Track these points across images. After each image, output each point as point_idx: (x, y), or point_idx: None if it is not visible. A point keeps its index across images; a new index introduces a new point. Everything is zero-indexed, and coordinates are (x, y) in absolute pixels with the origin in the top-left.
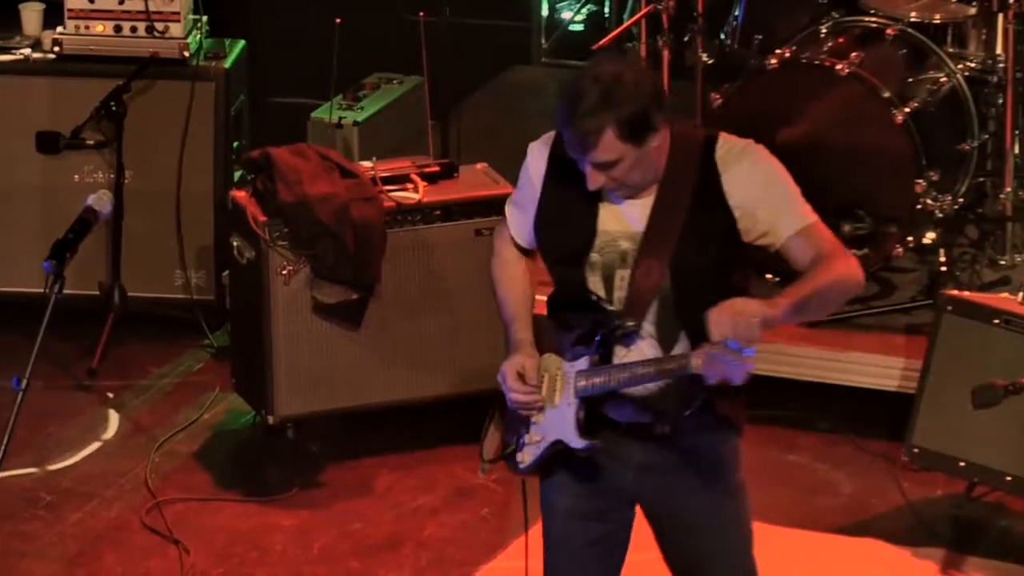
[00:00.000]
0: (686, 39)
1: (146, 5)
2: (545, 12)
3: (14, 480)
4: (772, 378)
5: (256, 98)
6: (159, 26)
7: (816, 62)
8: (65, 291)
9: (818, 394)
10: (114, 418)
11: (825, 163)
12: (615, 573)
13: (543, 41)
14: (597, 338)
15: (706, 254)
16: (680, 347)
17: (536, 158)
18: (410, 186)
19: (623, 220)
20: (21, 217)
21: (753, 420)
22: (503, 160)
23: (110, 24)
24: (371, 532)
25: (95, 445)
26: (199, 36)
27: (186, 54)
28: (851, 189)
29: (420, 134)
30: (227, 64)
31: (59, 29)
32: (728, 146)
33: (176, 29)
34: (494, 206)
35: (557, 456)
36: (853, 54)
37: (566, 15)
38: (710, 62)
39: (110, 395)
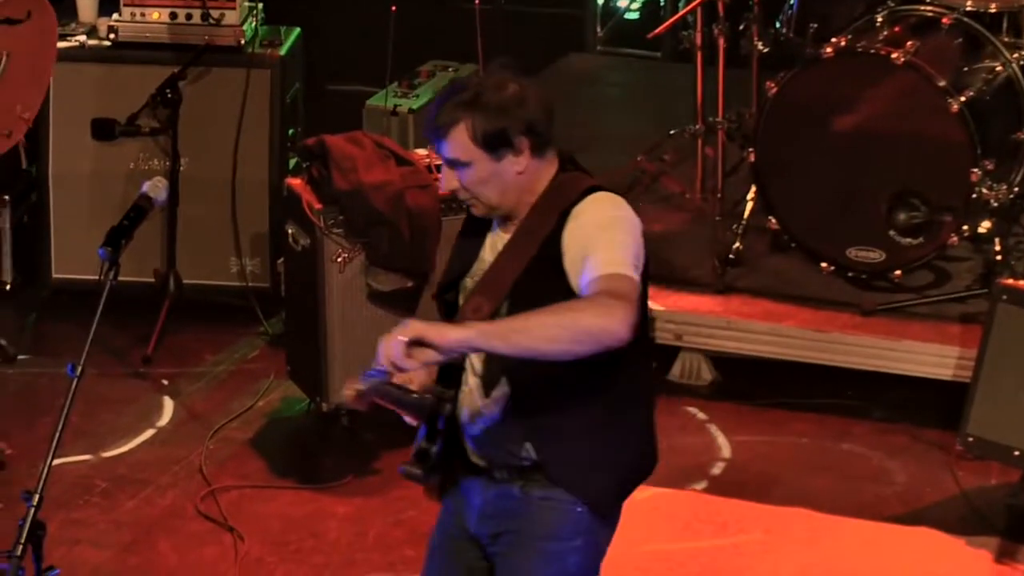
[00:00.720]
0: (741, 27)
1: None
2: (601, 0)
3: (69, 467)
4: (827, 367)
5: (311, 86)
6: (215, 13)
7: (871, 51)
8: (120, 278)
9: (873, 383)
10: (169, 405)
11: (880, 152)
12: None
13: (598, 29)
14: (443, 367)
15: (540, 302)
16: (500, 390)
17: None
18: None
19: (492, 252)
20: (76, 204)
21: (808, 408)
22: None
23: (165, 11)
24: (425, 520)
25: (150, 432)
26: (254, 23)
27: (242, 41)
28: (906, 178)
29: None
30: (282, 51)
31: (115, 16)
32: (591, 200)
33: (232, 16)
34: None
35: (445, 486)
36: (909, 43)
37: (622, 3)
38: (765, 51)
39: (165, 382)
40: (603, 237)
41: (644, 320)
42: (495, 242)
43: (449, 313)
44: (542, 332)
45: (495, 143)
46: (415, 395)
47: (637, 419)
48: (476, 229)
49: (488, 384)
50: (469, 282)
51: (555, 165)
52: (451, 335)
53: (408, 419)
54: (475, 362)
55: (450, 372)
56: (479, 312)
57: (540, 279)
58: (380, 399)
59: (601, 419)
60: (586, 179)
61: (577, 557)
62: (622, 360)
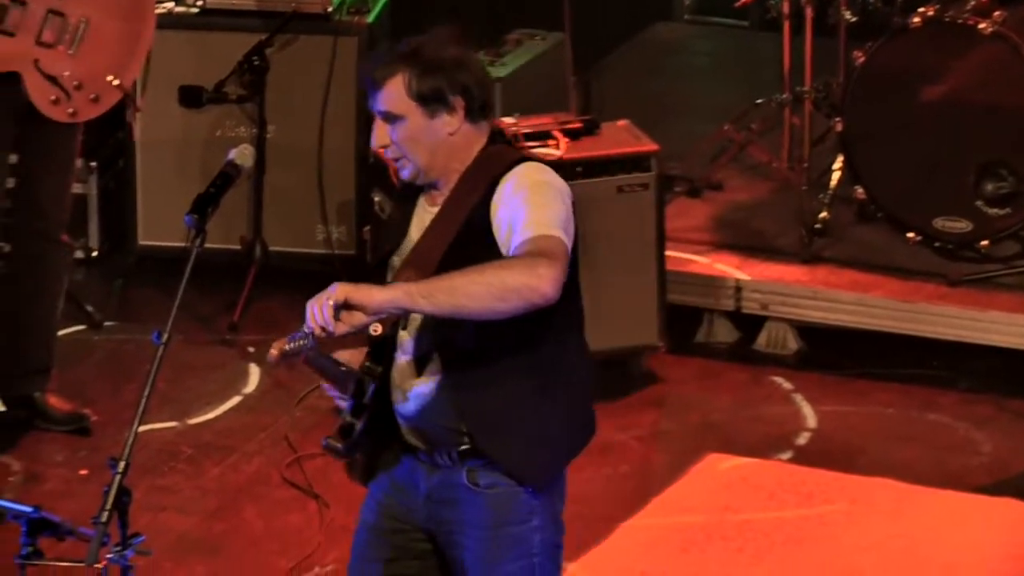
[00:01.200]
0: None
1: None
2: None
3: (155, 434)
4: (913, 337)
5: None
6: None
7: (959, 21)
8: (206, 245)
9: (959, 353)
10: (255, 372)
11: (967, 122)
12: None
13: None
14: (371, 342)
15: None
16: (431, 368)
17: (240, 145)
18: (552, 142)
19: (418, 227)
20: (163, 171)
21: (894, 378)
22: (645, 117)
23: None
24: None
25: (236, 399)
26: None
27: (329, 9)
28: (994, 148)
29: (562, 90)
30: (370, 19)
31: None
32: (518, 168)
33: None
34: (636, 163)
35: (376, 467)
36: (996, 13)
37: None
38: (853, 20)
39: (251, 349)
40: (530, 200)
41: (576, 290)
42: (422, 217)
43: (380, 282)
44: (468, 290)
45: (430, 98)
46: (342, 367)
47: (571, 392)
48: (403, 205)
49: (420, 362)
50: (396, 260)
51: (485, 138)
52: (377, 296)
53: (331, 390)
54: (405, 340)
55: (381, 350)
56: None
57: (468, 249)
58: (308, 364)
59: (534, 395)
60: (514, 152)
61: (538, 535)
62: (553, 332)
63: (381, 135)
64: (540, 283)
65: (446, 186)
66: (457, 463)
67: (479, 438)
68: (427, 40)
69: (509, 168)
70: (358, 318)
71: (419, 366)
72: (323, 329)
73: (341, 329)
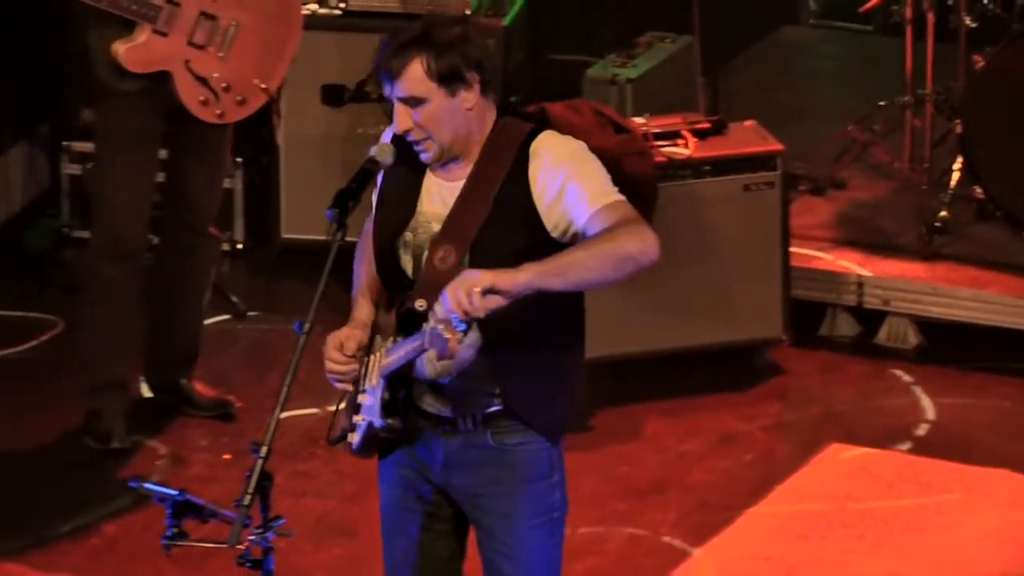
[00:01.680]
0: (950, 2)
1: None
2: None
3: (296, 420)
4: None
5: (534, 55)
6: None
7: None
8: (347, 238)
9: None
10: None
11: None
12: (450, 565)
13: (811, 2)
14: (401, 320)
15: (508, 245)
16: (472, 336)
17: (380, 142)
18: (681, 142)
19: (438, 202)
20: (305, 167)
21: (1012, 372)
22: (772, 117)
23: None
24: (637, 475)
25: None
26: None
27: (467, 11)
28: None
29: (691, 92)
30: (506, 21)
31: None
32: (545, 138)
33: None
34: (763, 162)
35: (376, 440)
36: None
37: None
38: (973, 25)
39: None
40: (578, 171)
41: None
42: (438, 191)
43: (393, 268)
44: (590, 263)
45: (449, 77)
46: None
47: (581, 350)
48: (402, 183)
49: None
50: (410, 236)
51: (494, 109)
52: (517, 279)
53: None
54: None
55: (411, 323)
56: (446, 261)
57: (506, 218)
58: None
59: (559, 353)
60: (524, 122)
61: (557, 492)
62: (572, 294)
63: (404, 120)
64: (651, 247)
65: (466, 160)
66: (480, 426)
67: (512, 398)
68: (432, 22)
69: (529, 137)
70: (497, 301)
71: None
72: (466, 313)
73: (482, 313)
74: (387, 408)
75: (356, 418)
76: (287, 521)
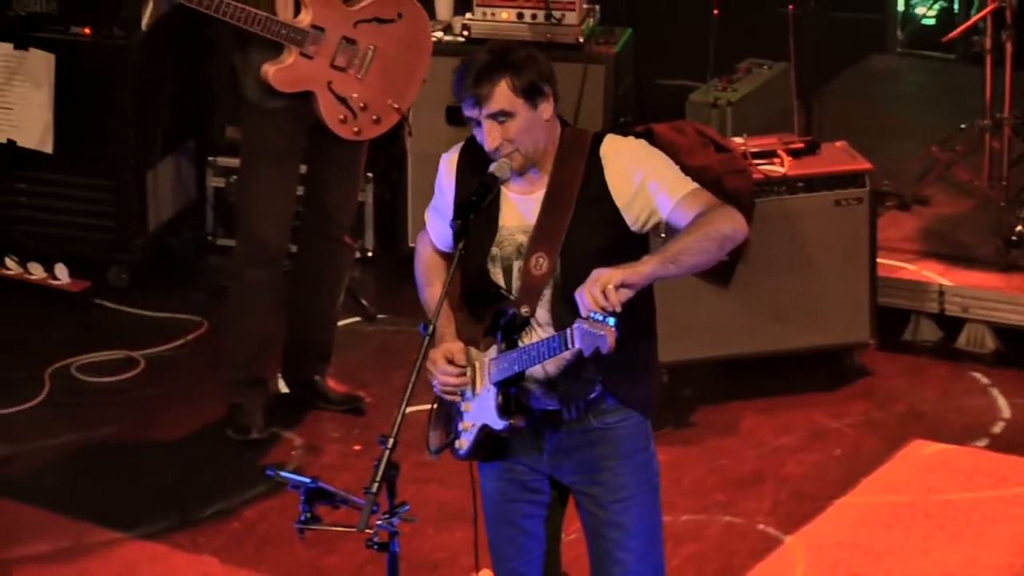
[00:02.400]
0: None
1: None
2: (901, 7)
3: (420, 414)
4: None
5: (641, 80)
6: (556, 14)
7: None
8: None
9: None
10: None
11: None
12: (551, 546)
13: (899, 32)
14: (500, 327)
15: (593, 244)
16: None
17: (446, 167)
18: (777, 160)
19: (519, 215)
20: (431, 182)
21: None
22: (861, 138)
23: (513, 11)
24: (736, 468)
25: None
26: (591, 23)
27: (580, 39)
28: None
29: (786, 114)
30: (616, 49)
31: (468, 15)
32: (612, 141)
33: (572, 17)
34: (852, 179)
35: (488, 442)
36: None
37: (920, 10)
38: None
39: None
40: (653, 165)
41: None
42: (516, 205)
43: (485, 283)
44: (700, 247)
45: (531, 91)
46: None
47: (656, 338)
48: (481, 207)
49: (559, 328)
50: (496, 251)
51: (559, 122)
52: (642, 272)
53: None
54: (540, 315)
55: (512, 330)
56: (540, 267)
57: (587, 223)
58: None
59: (643, 338)
60: (583, 130)
61: (654, 461)
62: (649, 291)
63: (495, 135)
64: (742, 225)
65: (541, 171)
66: (583, 413)
67: (611, 382)
68: (501, 48)
69: (595, 143)
70: (626, 294)
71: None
72: (604, 309)
73: (619, 307)
74: (504, 410)
75: (463, 425)
76: (411, 507)
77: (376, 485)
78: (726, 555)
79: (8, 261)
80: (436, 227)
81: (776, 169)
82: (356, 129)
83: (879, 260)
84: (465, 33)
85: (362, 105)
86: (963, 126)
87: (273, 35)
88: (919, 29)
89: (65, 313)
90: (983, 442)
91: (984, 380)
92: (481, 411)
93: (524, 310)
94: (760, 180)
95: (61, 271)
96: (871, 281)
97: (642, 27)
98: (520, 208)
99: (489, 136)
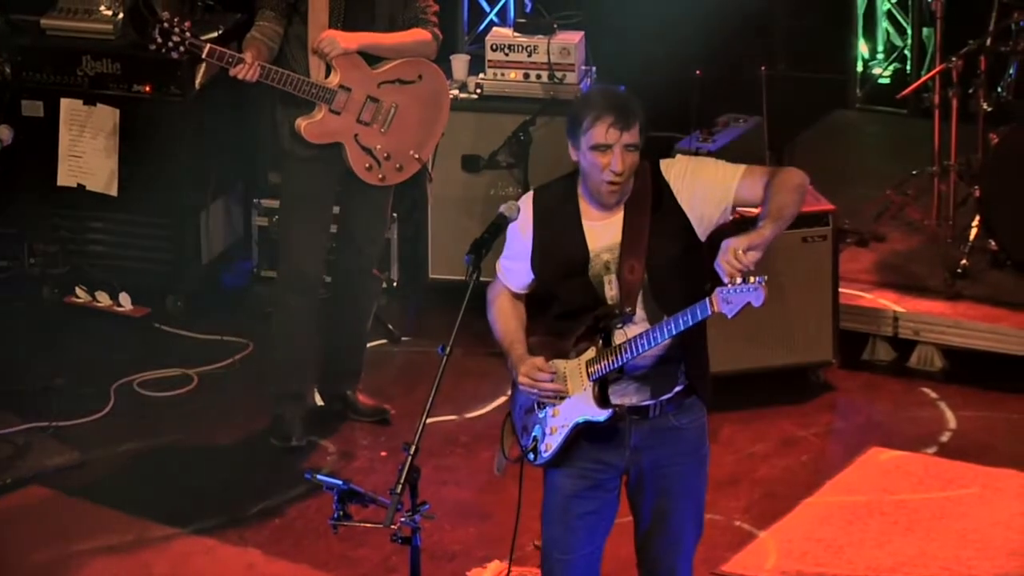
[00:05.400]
0: (971, 91)
1: (548, 58)
2: (860, 67)
3: (440, 425)
4: None
5: None
6: (558, 74)
7: None
8: (481, 278)
9: None
10: None
11: None
12: (604, 537)
13: (858, 91)
14: (601, 329)
15: (672, 249)
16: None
17: (522, 215)
18: None
19: (602, 238)
20: (448, 221)
21: (1017, 390)
22: (826, 183)
23: (520, 72)
24: (715, 471)
25: (502, 399)
26: (589, 82)
27: (578, 96)
28: None
29: (760, 162)
30: None
31: (481, 75)
32: (666, 164)
33: (571, 77)
34: (818, 219)
35: (577, 440)
36: None
37: (876, 70)
38: (990, 109)
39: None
40: (704, 167)
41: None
42: (600, 230)
43: (583, 296)
44: (791, 199)
45: (645, 132)
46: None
47: None
48: (562, 235)
49: (653, 322)
50: (592, 269)
51: None
52: (764, 235)
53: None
54: (633, 314)
55: (609, 334)
56: (634, 272)
57: (663, 231)
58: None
59: (704, 337)
60: (644, 161)
61: (708, 452)
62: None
63: (627, 162)
64: (804, 175)
65: (623, 195)
66: (663, 410)
67: (692, 376)
68: (626, 94)
69: (655, 168)
70: (754, 256)
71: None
72: (739, 271)
73: (752, 267)
74: (603, 401)
75: (551, 429)
76: (431, 506)
77: (400, 486)
78: (708, 547)
79: (79, 291)
80: (513, 271)
81: (750, 210)
82: (381, 176)
83: (841, 289)
84: (478, 91)
85: (386, 155)
86: (915, 172)
87: (306, 94)
88: (876, 87)
89: (128, 336)
90: (932, 449)
91: (933, 395)
92: (575, 410)
93: (627, 309)
94: (738, 220)
95: (125, 299)
96: (834, 308)
97: (635, 85)
98: (601, 232)
99: (622, 162)
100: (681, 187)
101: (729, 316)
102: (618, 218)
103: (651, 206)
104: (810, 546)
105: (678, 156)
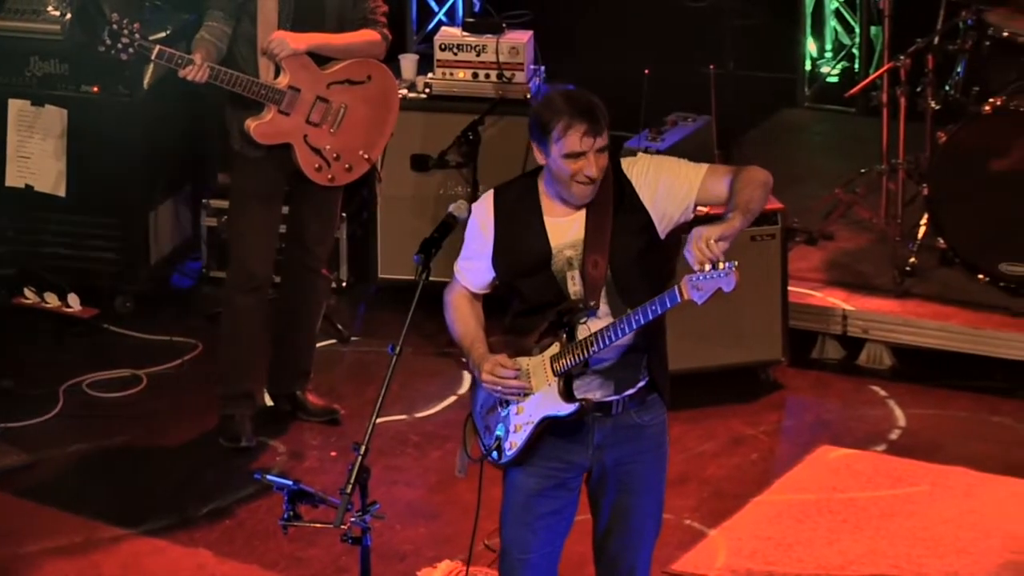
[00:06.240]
0: (919, 89)
1: (497, 57)
2: (808, 66)
3: (390, 424)
4: (983, 356)
5: None
6: (507, 74)
7: (1022, 109)
8: (431, 278)
9: (1019, 369)
10: (467, 377)
11: None
12: (564, 537)
13: (806, 89)
14: (565, 324)
15: (634, 246)
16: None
17: (482, 211)
18: None
19: (564, 234)
20: (398, 220)
21: (968, 388)
22: (775, 183)
23: (469, 72)
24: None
25: (452, 398)
26: (538, 81)
27: (528, 96)
28: None
29: (709, 161)
30: None
31: (429, 75)
32: (628, 163)
33: (520, 76)
34: (767, 218)
35: (542, 437)
36: None
37: (825, 69)
38: (937, 108)
39: (464, 360)
40: (667, 166)
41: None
42: (562, 227)
43: (544, 292)
44: (758, 195)
45: (609, 131)
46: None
47: None
48: (525, 232)
49: (616, 316)
50: (556, 264)
51: None
52: (734, 225)
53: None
54: (600, 306)
55: (573, 329)
56: (597, 267)
57: (625, 228)
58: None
59: (665, 332)
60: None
61: (668, 451)
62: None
63: (601, 165)
64: (768, 173)
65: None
66: (626, 407)
67: (654, 372)
68: (588, 93)
69: (615, 166)
70: (723, 246)
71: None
72: (709, 260)
73: (722, 256)
74: (568, 396)
75: (515, 427)
76: (381, 506)
77: (350, 486)
78: (658, 546)
79: (27, 291)
80: (472, 271)
81: (700, 209)
82: (330, 176)
83: (790, 288)
84: (427, 91)
85: (335, 155)
86: (863, 170)
87: (255, 95)
88: (824, 86)
89: (77, 337)
90: (881, 447)
91: (882, 393)
92: (540, 407)
93: (592, 303)
94: (700, 216)
95: (73, 300)
96: (783, 306)
97: (584, 84)
98: (563, 228)
99: (598, 164)
100: (643, 184)
101: (699, 303)
102: (580, 215)
103: (613, 204)
104: (760, 544)
105: (639, 155)
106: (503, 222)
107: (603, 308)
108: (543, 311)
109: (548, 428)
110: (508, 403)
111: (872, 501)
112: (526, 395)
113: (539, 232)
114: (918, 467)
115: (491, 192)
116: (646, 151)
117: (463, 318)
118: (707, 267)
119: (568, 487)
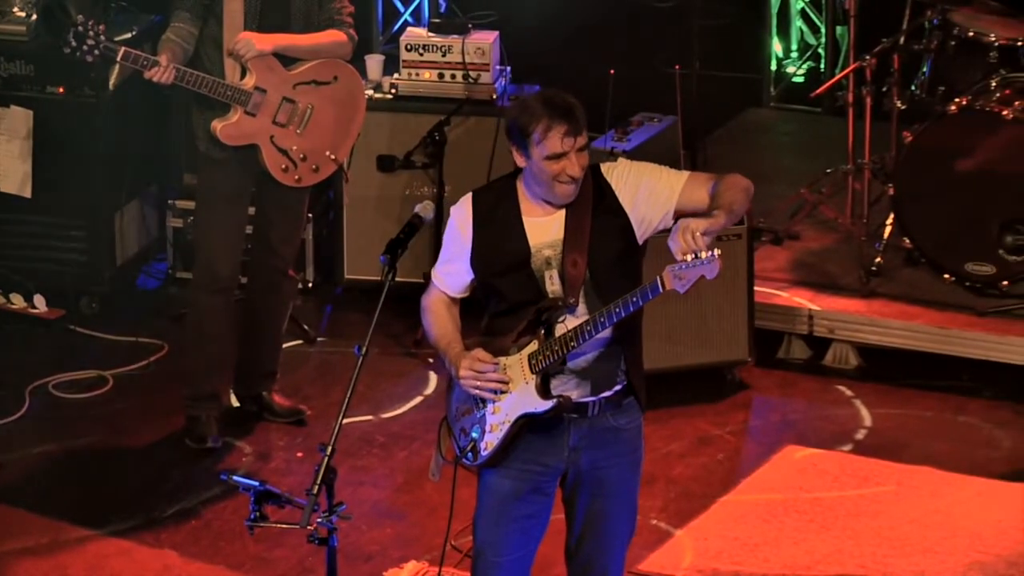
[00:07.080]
0: (885, 89)
1: (463, 58)
2: (774, 66)
3: (356, 425)
4: (949, 356)
5: None
6: (473, 74)
7: (987, 109)
8: (397, 279)
9: (985, 369)
10: (433, 378)
11: (993, 188)
12: (538, 541)
13: (772, 89)
14: (543, 322)
15: (612, 247)
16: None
17: (461, 214)
18: None
19: (543, 234)
20: (364, 221)
21: (933, 388)
22: None
23: (435, 72)
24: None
25: (418, 399)
26: (504, 82)
27: (493, 96)
28: (1013, 209)
29: (674, 161)
30: None
31: (395, 75)
32: (607, 166)
33: (486, 77)
34: None
35: (518, 436)
36: (1017, 103)
37: (790, 69)
38: (903, 107)
39: (430, 360)
40: (648, 171)
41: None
42: (541, 226)
43: (523, 290)
44: (740, 197)
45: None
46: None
47: None
48: (504, 231)
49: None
50: (535, 262)
51: None
52: (718, 221)
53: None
54: (575, 307)
55: (551, 326)
56: (577, 266)
57: (604, 229)
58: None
59: (640, 335)
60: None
61: (643, 455)
62: None
63: (583, 163)
64: (749, 180)
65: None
66: (602, 409)
67: (632, 375)
68: (563, 93)
69: (594, 169)
70: (707, 241)
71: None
72: (693, 251)
73: (705, 248)
74: (545, 393)
75: (491, 427)
76: (348, 507)
77: (316, 487)
78: None
79: None
80: (450, 274)
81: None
82: (297, 177)
83: (756, 288)
84: (393, 91)
85: (302, 156)
86: (829, 170)
87: (221, 96)
88: (790, 86)
89: (43, 338)
90: (848, 447)
91: (848, 392)
92: (516, 405)
93: (571, 300)
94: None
95: (39, 301)
96: (749, 306)
97: (548, 85)
98: (542, 228)
99: (579, 165)
100: (623, 187)
101: (681, 292)
102: (560, 215)
103: (592, 205)
104: (726, 544)
105: (620, 159)
106: (482, 224)
107: (581, 307)
108: (521, 311)
109: (524, 428)
110: (484, 403)
111: (838, 501)
112: (503, 393)
113: (518, 231)
114: (884, 467)
115: (470, 194)
116: (612, 152)
117: (440, 321)
118: (689, 257)
119: (544, 491)
